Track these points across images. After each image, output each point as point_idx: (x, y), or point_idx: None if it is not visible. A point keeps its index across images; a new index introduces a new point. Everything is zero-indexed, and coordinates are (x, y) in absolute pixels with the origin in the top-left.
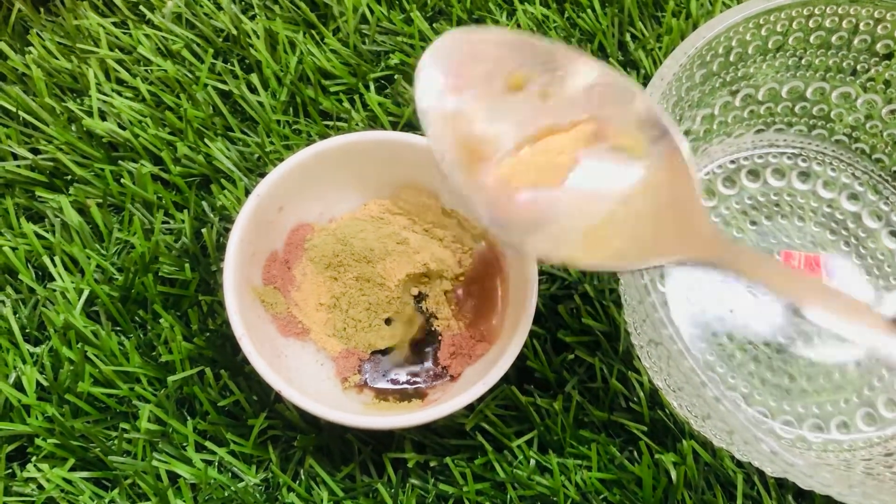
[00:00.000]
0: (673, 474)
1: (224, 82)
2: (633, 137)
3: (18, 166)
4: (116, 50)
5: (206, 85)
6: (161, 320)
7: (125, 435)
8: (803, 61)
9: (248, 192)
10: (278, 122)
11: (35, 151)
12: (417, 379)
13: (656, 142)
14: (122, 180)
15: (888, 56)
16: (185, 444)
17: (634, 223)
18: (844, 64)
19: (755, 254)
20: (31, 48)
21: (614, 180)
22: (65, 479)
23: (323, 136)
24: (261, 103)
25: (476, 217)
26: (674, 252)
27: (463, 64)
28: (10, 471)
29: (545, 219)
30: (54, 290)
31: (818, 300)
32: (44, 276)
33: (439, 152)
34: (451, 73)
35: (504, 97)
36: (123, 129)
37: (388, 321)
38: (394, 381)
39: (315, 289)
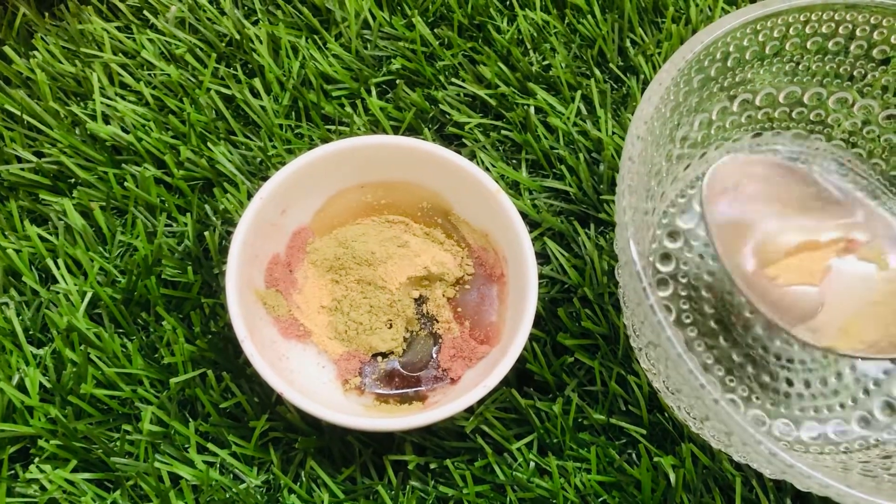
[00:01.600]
0: (672, 477)
1: (227, 86)
2: (878, 253)
3: (22, 169)
4: (120, 54)
5: (209, 89)
6: (163, 323)
7: (127, 436)
8: (800, 66)
9: (250, 196)
10: (281, 126)
11: (39, 155)
12: (418, 381)
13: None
14: (126, 183)
15: (885, 61)
16: (186, 446)
17: (883, 320)
18: (841, 69)
19: None
20: (35, 52)
21: (866, 284)
22: (67, 481)
23: (325, 141)
24: (263, 107)
25: (755, 305)
26: None
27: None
28: (12, 472)
29: (808, 313)
30: (57, 293)
31: None
32: (47, 279)
33: (726, 258)
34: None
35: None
36: (127, 132)
37: (389, 324)
38: (394, 384)
39: (317, 291)
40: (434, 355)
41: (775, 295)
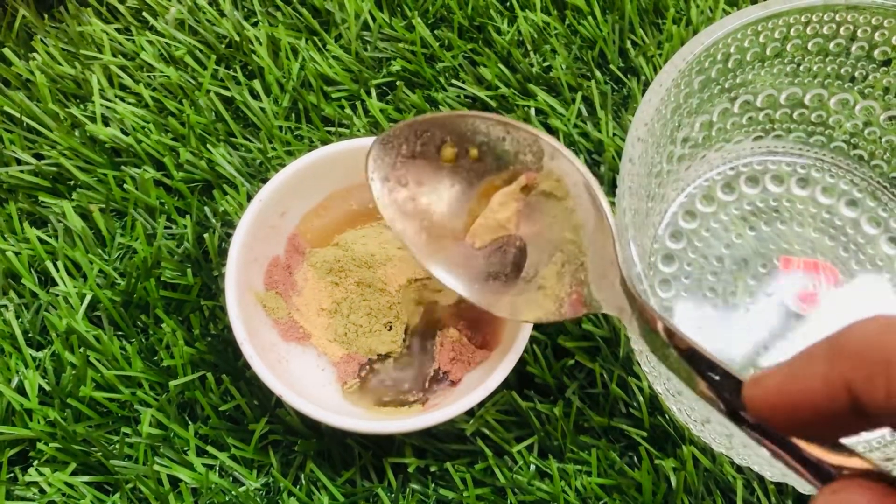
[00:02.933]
0: (673, 480)
1: (226, 88)
2: (553, 181)
3: (22, 171)
4: (120, 56)
5: (208, 91)
6: (163, 325)
7: (127, 439)
8: (801, 68)
9: (250, 198)
10: (280, 128)
11: (38, 157)
12: (418, 384)
13: (575, 183)
14: (125, 186)
15: (886, 62)
16: (186, 449)
17: (573, 270)
18: (843, 70)
19: (654, 311)
20: (34, 54)
21: (552, 226)
22: (66, 484)
23: (325, 142)
24: (263, 109)
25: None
26: (602, 305)
27: (399, 156)
28: (11, 475)
29: (506, 287)
30: (57, 295)
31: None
32: (46, 281)
33: (407, 244)
34: (392, 171)
35: (442, 171)
36: (126, 134)
37: (388, 326)
38: (394, 387)
39: (316, 294)
40: (434, 357)
41: (469, 267)
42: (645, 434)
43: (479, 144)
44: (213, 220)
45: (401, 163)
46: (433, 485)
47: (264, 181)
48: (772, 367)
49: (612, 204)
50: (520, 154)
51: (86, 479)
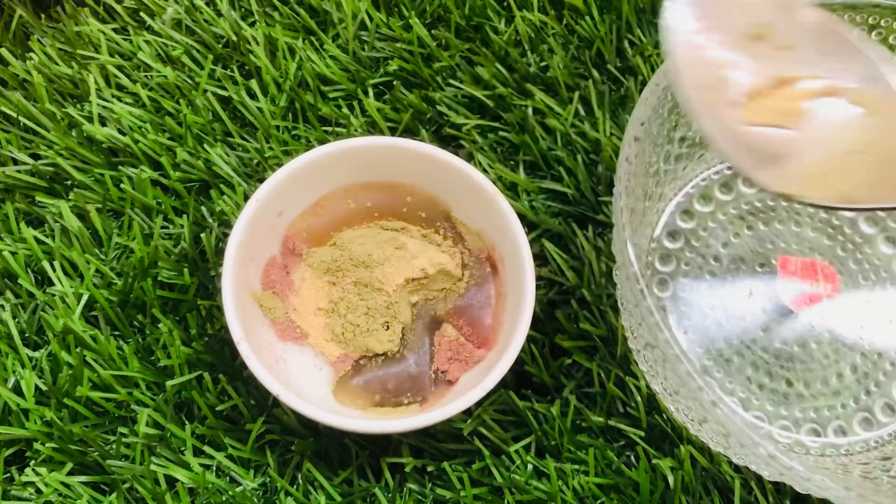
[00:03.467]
0: (670, 479)
1: (224, 88)
2: (869, 98)
3: (19, 171)
4: (117, 56)
5: (205, 91)
6: (160, 325)
7: (123, 439)
8: None
9: (247, 198)
10: (277, 127)
11: (35, 157)
12: (415, 383)
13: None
14: (122, 185)
15: None
16: (183, 449)
17: (861, 171)
18: None
19: None
20: (31, 54)
21: (847, 131)
22: (63, 484)
23: (322, 142)
24: (260, 109)
25: (710, 143)
26: (890, 199)
27: (712, 6)
28: (8, 475)
29: (777, 157)
30: (53, 295)
31: None
32: (43, 281)
33: (681, 79)
34: (701, 14)
35: (747, 43)
36: (123, 134)
37: (386, 326)
38: (391, 386)
39: (314, 294)
40: (431, 357)
41: (740, 136)
42: (642, 433)
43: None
44: (210, 220)
45: (711, 12)
46: (430, 484)
47: (261, 181)
48: None
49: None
50: (845, 64)
51: (82, 479)
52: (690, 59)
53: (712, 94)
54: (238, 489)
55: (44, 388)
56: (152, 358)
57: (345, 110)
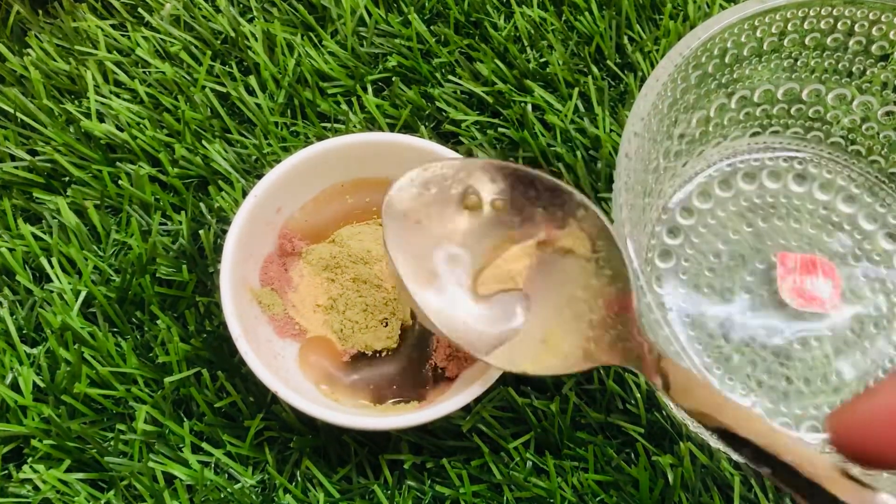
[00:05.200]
0: (670, 476)
1: (222, 84)
2: (576, 239)
3: (16, 168)
4: (115, 52)
5: (204, 87)
6: (158, 321)
7: (121, 436)
8: (799, 63)
9: (245, 194)
10: (276, 123)
11: (33, 153)
12: (414, 380)
13: (597, 249)
14: (120, 182)
15: (884, 58)
16: (181, 446)
17: (580, 328)
18: (840, 66)
19: (686, 373)
20: (29, 50)
21: (565, 283)
22: (61, 481)
23: (321, 138)
24: (258, 105)
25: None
26: (609, 359)
27: (418, 198)
28: (5, 472)
29: (505, 336)
30: (51, 292)
31: (745, 430)
32: (41, 278)
33: (402, 277)
34: (410, 210)
35: (460, 217)
36: (121, 130)
37: (384, 322)
38: (390, 383)
39: (312, 290)
40: (430, 354)
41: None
42: (642, 430)
43: (505, 196)
44: (209, 217)
45: (422, 199)
46: (429, 481)
47: (260, 177)
48: (861, 407)
49: (608, 212)
50: (548, 209)
51: (80, 475)
52: (407, 260)
53: (431, 281)
54: (236, 486)
55: (41, 384)
56: (150, 355)
57: (343, 106)
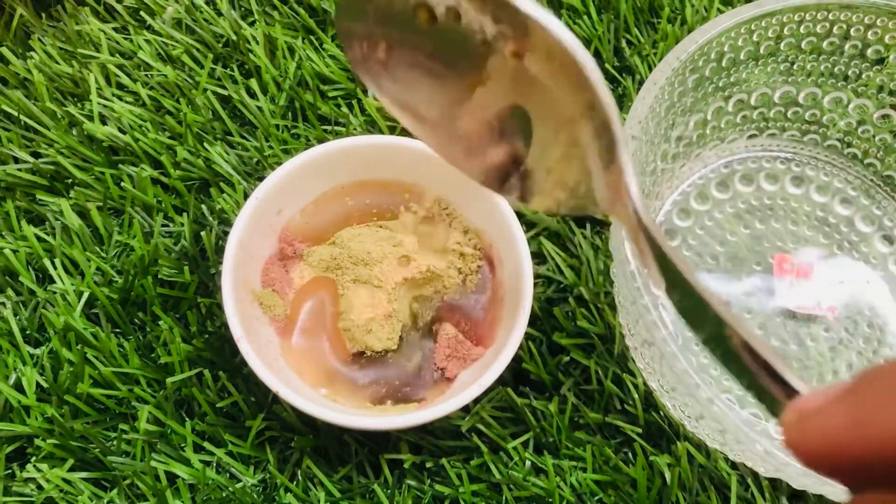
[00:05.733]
0: (667, 476)
1: (223, 87)
2: (548, 57)
3: (20, 170)
4: (117, 55)
5: (205, 90)
6: (160, 322)
7: (124, 436)
8: (795, 67)
9: (246, 196)
10: (277, 126)
11: (36, 155)
12: (414, 381)
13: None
14: (123, 184)
15: (879, 61)
16: (183, 445)
17: (581, 158)
18: (836, 69)
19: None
20: (32, 53)
21: (554, 101)
22: (64, 480)
23: (321, 141)
24: (260, 108)
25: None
26: (602, 208)
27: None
28: (9, 471)
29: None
30: (54, 293)
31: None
32: (44, 279)
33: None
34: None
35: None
36: (124, 133)
37: (384, 324)
38: (390, 383)
39: None
40: (430, 354)
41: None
42: (640, 430)
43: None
44: (210, 218)
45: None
46: (429, 481)
47: (261, 179)
48: (820, 402)
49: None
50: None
51: (83, 475)
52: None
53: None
54: (238, 485)
55: (45, 384)
56: (153, 355)
57: (344, 109)
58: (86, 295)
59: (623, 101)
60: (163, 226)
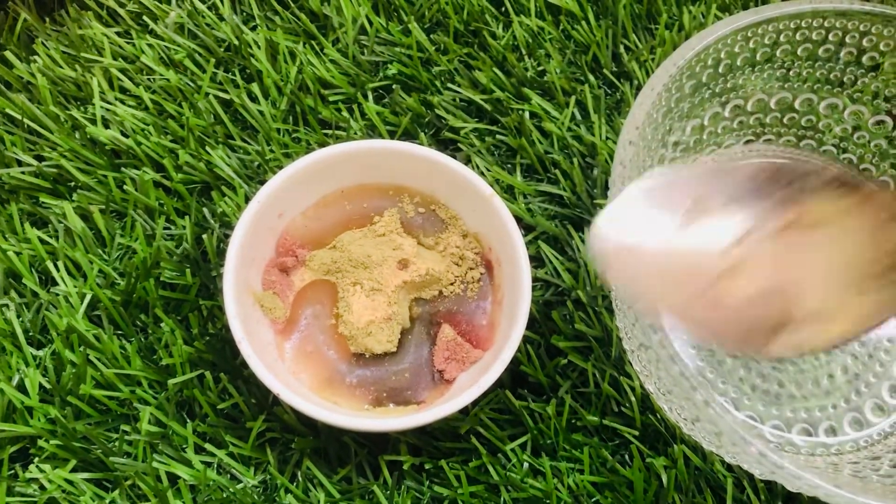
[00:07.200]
0: (664, 478)
1: (225, 91)
2: (820, 206)
3: (23, 173)
4: (120, 59)
5: (207, 94)
6: (162, 324)
7: (126, 437)
8: (791, 73)
9: (248, 199)
10: (278, 130)
11: (39, 158)
12: (413, 383)
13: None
14: (125, 187)
15: (874, 68)
16: (184, 446)
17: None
18: (832, 75)
19: None
20: (36, 57)
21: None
22: (66, 480)
23: (322, 145)
24: (261, 112)
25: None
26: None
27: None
28: (12, 471)
29: (782, 317)
30: (57, 295)
31: None
32: (47, 281)
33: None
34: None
35: (691, 223)
36: (126, 136)
37: (384, 326)
38: (390, 385)
39: None
40: (429, 357)
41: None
42: (636, 433)
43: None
44: (212, 221)
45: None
46: (428, 482)
47: (262, 183)
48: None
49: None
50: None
51: (85, 475)
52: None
53: (679, 292)
54: (239, 486)
55: (48, 386)
56: (154, 357)
57: (345, 113)
58: (88, 297)
59: (621, 107)
60: (165, 228)
